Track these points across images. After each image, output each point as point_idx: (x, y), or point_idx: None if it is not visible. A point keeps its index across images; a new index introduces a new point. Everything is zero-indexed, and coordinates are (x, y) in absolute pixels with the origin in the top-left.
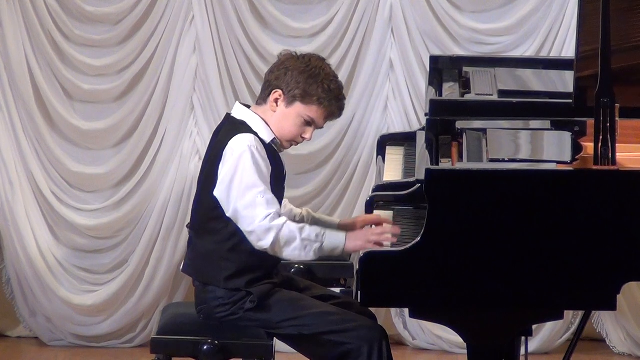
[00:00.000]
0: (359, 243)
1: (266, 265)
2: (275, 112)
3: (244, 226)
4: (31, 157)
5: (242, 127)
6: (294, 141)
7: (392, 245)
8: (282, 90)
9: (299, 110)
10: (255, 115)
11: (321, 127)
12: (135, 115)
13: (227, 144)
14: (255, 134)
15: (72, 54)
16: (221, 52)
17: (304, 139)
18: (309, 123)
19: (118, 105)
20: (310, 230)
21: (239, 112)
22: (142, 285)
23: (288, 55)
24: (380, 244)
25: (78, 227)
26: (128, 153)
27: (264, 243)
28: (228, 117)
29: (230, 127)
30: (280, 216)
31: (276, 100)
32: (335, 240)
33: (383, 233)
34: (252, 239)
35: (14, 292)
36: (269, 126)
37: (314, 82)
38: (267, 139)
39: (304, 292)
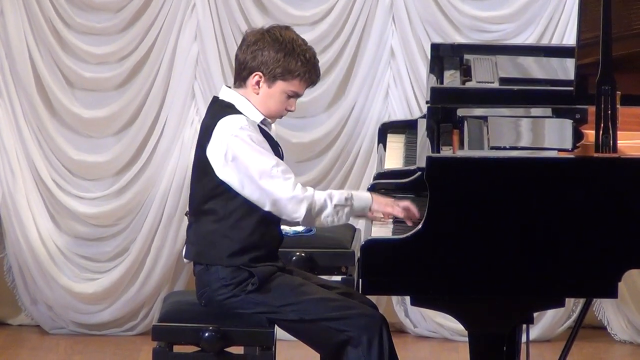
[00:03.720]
0: (383, 207)
1: (268, 244)
2: (258, 94)
3: (270, 200)
4: (32, 145)
5: (230, 110)
6: (280, 116)
7: (394, 232)
8: (261, 72)
9: (282, 87)
10: (243, 97)
11: (301, 96)
12: (136, 103)
13: (215, 125)
14: (245, 115)
15: (73, 42)
16: (222, 40)
17: (289, 111)
18: (291, 96)
19: (119, 93)
20: (339, 195)
21: (227, 95)
22: (143, 274)
23: (257, 35)
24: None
25: (79, 215)
26: (129, 141)
27: (297, 215)
28: (216, 100)
29: (218, 110)
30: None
31: (257, 83)
32: (362, 201)
33: (407, 208)
34: (285, 210)
35: (15, 280)
36: (254, 105)
37: (291, 58)
38: (257, 119)
39: None
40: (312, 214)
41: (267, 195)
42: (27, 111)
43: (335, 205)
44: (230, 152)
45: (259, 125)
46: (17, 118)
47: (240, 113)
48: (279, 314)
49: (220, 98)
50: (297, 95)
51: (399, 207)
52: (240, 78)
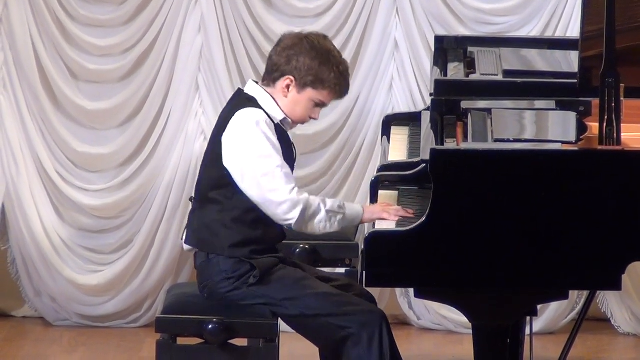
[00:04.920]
0: (377, 215)
1: (269, 240)
2: (286, 97)
3: (265, 199)
4: (36, 137)
5: (251, 103)
6: (302, 122)
7: (398, 225)
8: (293, 76)
9: (311, 95)
10: (267, 94)
11: (327, 106)
12: (140, 95)
13: (233, 115)
14: (265, 111)
15: (77, 34)
16: (226, 32)
17: (312, 118)
18: (317, 105)
19: (123, 85)
20: (331, 202)
21: (251, 89)
22: (147, 266)
23: (295, 39)
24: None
25: (83, 207)
26: (133, 133)
27: (291, 216)
28: (240, 93)
29: (239, 101)
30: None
31: (287, 87)
32: (354, 210)
33: (398, 212)
34: (277, 212)
35: (19, 272)
36: (279, 106)
37: (325, 69)
38: (277, 118)
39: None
40: (305, 218)
41: (264, 193)
42: (30, 103)
43: (328, 211)
44: (241, 142)
45: (278, 124)
46: (21, 110)
47: (261, 108)
48: (280, 307)
49: (245, 91)
50: (323, 104)
51: (389, 213)
52: (271, 78)
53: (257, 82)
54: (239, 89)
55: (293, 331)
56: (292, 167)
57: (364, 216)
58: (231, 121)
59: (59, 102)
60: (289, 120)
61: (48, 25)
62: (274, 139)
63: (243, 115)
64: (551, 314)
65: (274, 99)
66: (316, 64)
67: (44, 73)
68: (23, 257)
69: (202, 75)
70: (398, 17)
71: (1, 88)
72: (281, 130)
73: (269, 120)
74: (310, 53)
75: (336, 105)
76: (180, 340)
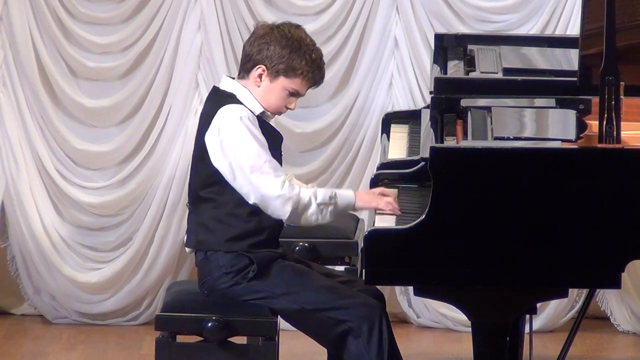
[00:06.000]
0: (367, 203)
1: (266, 230)
2: (259, 87)
3: (258, 195)
4: (36, 134)
5: (231, 99)
6: (278, 112)
7: (397, 223)
8: (265, 65)
9: (284, 84)
10: (244, 88)
11: (303, 95)
12: (140, 93)
13: (215, 114)
14: (245, 106)
15: (76, 32)
16: (226, 30)
17: (288, 109)
18: (292, 94)
19: (123, 83)
20: (322, 194)
21: (228, 85)
22: (146, 263)
23: (266, 29)
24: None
25: (83, 204)
26: (133, 131)
27: (282, 213)
28: (217, 90)
29: (218, 99)
30: (290, 183)
31: (260, 76)
32: (346, 199)
33: (390, 203)
34: (269, 207)
35: (19, 269)
36: (255, 97)
37: (297, 56)
38: (257, 111)
39: None
40: (297, 212)
41: (256, 190)
42: (30, 101)
43: (319, 204)
44: (226, 141)
45: (258, 116)
46: (21, 108)
47: (241, 103)
48: (279, 302)
49: (222, 88)
50: (298, 94)
51: (382, 201)
52: (244, 69)
53: (232, 78)
54: (214, 86)
55: (293, 329)
56: (280, 154)
57: (356, 204)
58: (214, 119)
59: (58, 99)
60: (268, 113)
61: (48, 23)
62: (258, 133)
63: (226, 113)
64: (551, 312)
65: (250, 91)
66: (287, 52)
67: (44, 71)
68: (22, 254)
69: (201, 73)
70: (398, 15)
71: (1, 86)
72: (263, 121)
73: (251, 114)
74: (281, 41)
75: (336, 103)
76: (180, 338)
